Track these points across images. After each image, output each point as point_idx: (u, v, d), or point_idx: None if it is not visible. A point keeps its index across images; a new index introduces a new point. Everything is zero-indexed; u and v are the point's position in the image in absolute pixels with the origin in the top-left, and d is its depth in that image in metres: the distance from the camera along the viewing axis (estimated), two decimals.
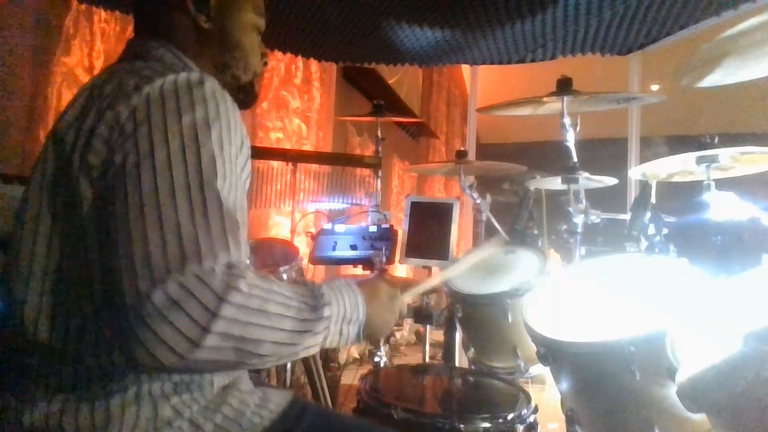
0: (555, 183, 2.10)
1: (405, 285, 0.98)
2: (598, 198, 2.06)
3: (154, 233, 0.64)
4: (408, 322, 4.38)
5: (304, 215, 2.66)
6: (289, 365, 2.04)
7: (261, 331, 0.66)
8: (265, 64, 1.04)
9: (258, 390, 0.88)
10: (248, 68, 0.98)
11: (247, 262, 0.71)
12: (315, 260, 2.17)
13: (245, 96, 0.99)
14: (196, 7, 0.90)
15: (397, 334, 4.40)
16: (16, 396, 0.76)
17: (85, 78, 2.09)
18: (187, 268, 0.62)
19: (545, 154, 2.58)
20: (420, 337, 4.21)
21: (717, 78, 1.33)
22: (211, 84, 0.77)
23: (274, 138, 3.24)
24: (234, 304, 0.63)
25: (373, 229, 2.20)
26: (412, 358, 4.10)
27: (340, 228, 2.20)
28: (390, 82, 4.55)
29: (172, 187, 0.67)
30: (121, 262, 0.64)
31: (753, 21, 1.12)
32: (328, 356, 2.50)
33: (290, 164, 2.45)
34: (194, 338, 0.61)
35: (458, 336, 1.95)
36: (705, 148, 1.58)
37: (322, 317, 0.74)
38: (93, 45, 2.13)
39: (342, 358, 3.34)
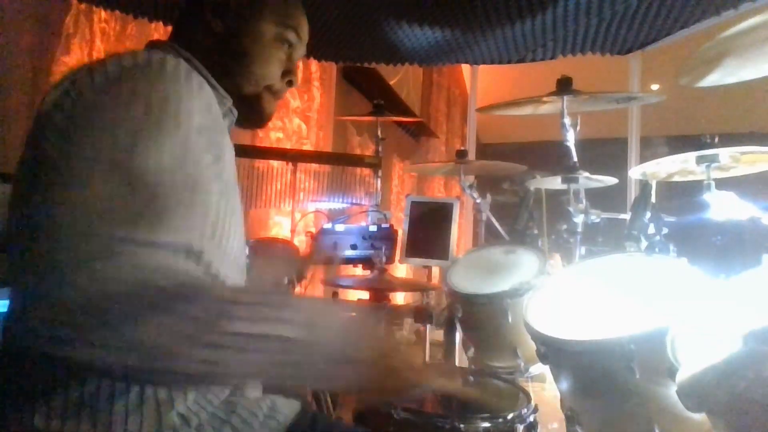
0: (555, 183, 2.10)
1: None
2: (598, 198, 2.06)
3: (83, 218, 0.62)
4: (408, 322, 4.37)
5: (304, 215, 2.66)
6: None
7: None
8: (290, 83, 0.96)
9: (266, 398, 0.86)
10: (253, 79, 0.92)
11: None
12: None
13: (248, 111, 0.93)
14: (214, 12, 0.89)
15: (397, 334, 4.39)
16: (19, 399, 0.73)
17: None
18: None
19: (545, 154, 2.58)
20: (420, 337, 4.21)
21: (717, 78, 1.33)
22: (173, 63, 0.74)
23: (274, 138, 3.24)
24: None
25: (373, 228, 2.20)
26: None
27: (340, 228, 2.20)
28: (391, 83, 4.55)
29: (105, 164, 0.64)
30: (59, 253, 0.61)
31: (753, 21, 1.12)
32: None
33: (290, 164, 2.45)
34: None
35: (458, 336, 1.95)
36: (705, 148, 1.58)
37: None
38: (93, 45, 2.13)
39: None
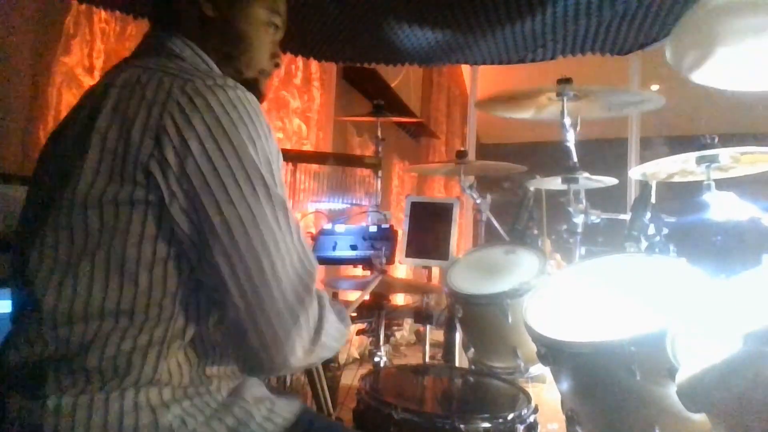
0: (555, 183, 2.10)
1: None
2: (598, 198, 2.05)
3: (270, 295, 0.73)
4: (408, 322, 4.38)
5: (304, 215, 2.66)
6: None
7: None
8: (277, 65, 1.01)
9: (266, 400, 0.86)
10: (252, 63, 0.96)
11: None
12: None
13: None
14: None
15: (397, 334, 4.40)
16: (19, 398, 0.75)
17: (85, 78, 2.09)
18: (299, 319, 0.75)
19: (545, 154, 2.58)
20: (420, 337, 4.21)
21: (710, 72, 1.31)
22: (246, 93, 0.79)
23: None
24: (319, 345, 0.78)
25: (373, 229, 2.20)
26: (412, 358, 4.10)
27: (340, 228, 2.20)
28: (392, 84, 4.55)
29: (274, 238, 0.74)
30: (248, 332, 0.73)
31: None
32: None
33: (290, 164, 2.44)
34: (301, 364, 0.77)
35: (458, 336, 1.95)
36: (705, 148, 1.58)
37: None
38: (93, 45, 2.13)
39: (342, 358, 3.34)
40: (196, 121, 0.72)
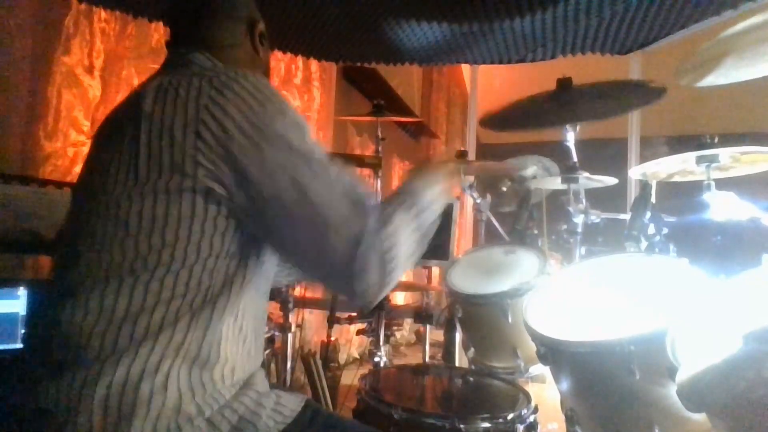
0: (555, 183, 2.10)
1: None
2: (598, 198, 2.05)
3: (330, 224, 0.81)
4: (408, 322, 4.38)
5: None
6: (289, 365, 2.04)
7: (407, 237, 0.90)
8: None
9: (273, 393, 0.91)
10: None
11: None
12: None
13: None
14: (261, 37, 1.07)
15: (397, 334, 4.39)
16: (46, 376, 0.77)
17: (85, 77, 2.09)
18: (364, 239, 0.81)
19: (545, 154, 2.58)
20: (420, 337, 4.21)
21: (716, 78, 1.33)
22: (262, 78, 0.88)
23: None
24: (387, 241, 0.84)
25: None
26: (412, 358, 4.11)
27: None
28: (399, 92, 4.55)
29: (328, 184, 0.83)
30: (318, 252, 0.82)
31: (752, 21, 1.12)
32: (328, 356, 2.50)
33: None
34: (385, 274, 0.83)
35: (458, 336, 1.95)
36: (705, 148, 1.58)
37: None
38: (93, 45, 2.13)
39: (342, 358, 3.34)
40: (230, 109, 0.81)
